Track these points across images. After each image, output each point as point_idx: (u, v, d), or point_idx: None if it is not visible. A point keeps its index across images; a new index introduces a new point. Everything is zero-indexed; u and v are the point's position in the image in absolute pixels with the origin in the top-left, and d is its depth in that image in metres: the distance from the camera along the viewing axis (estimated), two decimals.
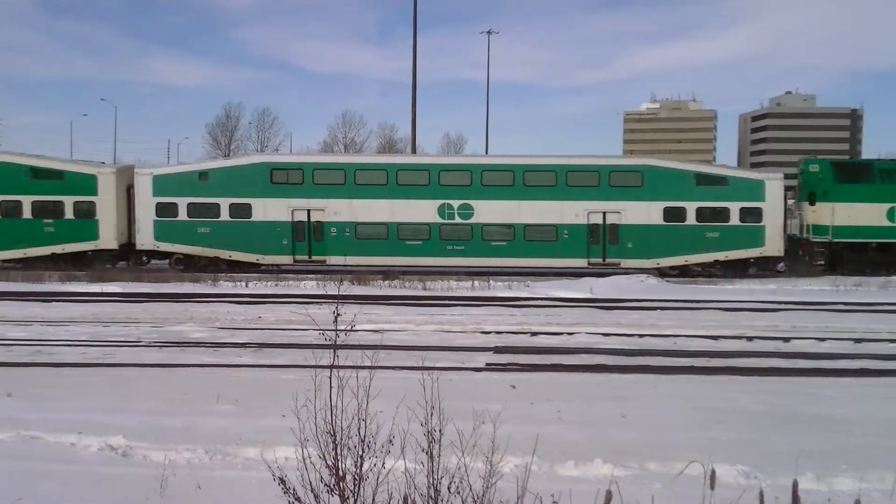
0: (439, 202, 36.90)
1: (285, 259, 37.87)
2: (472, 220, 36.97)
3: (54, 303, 25.01)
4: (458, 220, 37.01)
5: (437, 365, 12.39)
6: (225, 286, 31.46)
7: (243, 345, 17.27)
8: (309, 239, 37.59)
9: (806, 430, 9.92)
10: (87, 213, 37.66)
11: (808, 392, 12.47)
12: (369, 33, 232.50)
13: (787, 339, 18.30)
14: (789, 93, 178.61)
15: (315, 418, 5.31)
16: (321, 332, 5.62)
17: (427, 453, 5.11)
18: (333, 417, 5.21)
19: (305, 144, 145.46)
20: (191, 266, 37.54)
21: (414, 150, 55.84)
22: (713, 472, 4.86)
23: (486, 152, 77.31)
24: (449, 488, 5.04)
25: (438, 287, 31.27)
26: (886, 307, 24.81)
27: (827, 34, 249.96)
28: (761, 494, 4.68)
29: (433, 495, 5.01)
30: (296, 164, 39.22)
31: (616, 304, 25.43)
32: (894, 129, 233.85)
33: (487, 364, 15.17)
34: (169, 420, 10.22)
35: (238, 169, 38.62)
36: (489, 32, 78.83)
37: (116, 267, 38.13)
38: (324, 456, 5.15)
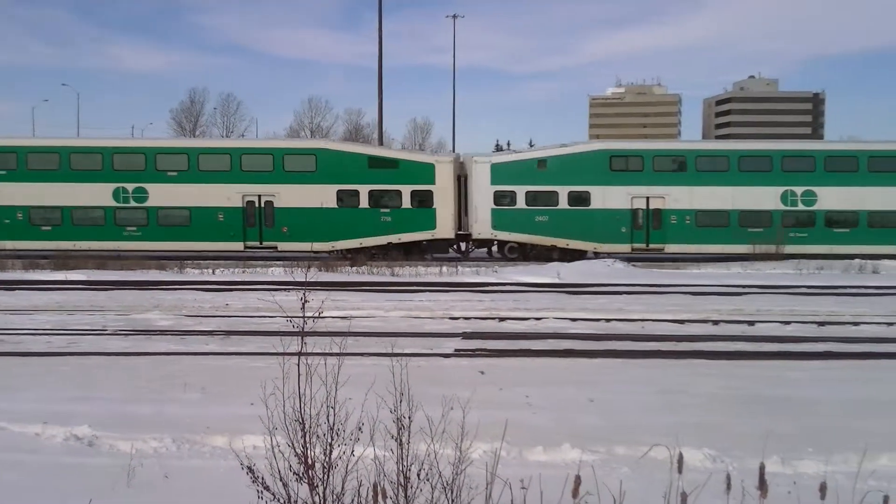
0: (782, 189, 36.79)
1: (622, 248, 37.40)
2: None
3: (18, 291, 24.68)
4: (800, 206, 36.95)
5: (406, 351, 12.39)
6: (191, 273, 31.20)
7: (210, 332, 17.15)
8: (647, 227, 37.22)
9: (772, 414, 10.03)
10: (424, 203, 37.33)
11: (773, 375, 12.62)
12: (333, 18, 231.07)
13: (751, 323, 18.51)
14: (752, 77, 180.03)
15: (283, 406, 5.28)
16: (288, 319, 5.58)
17: (396, 440, 5.10)
18: (302, 405, 5.18)
19: (271, 130, 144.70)
20: (523, 255, 37.36)
21: (381, 137, 55.59)
22: (680, 456, 4.89)
23: (453, 139, 77.11)
24: (419, 475, 5.03)
25: (406, 273, 31.24)
26: (849, 290, 25.16)
27: (789, 19, 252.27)
28: (728, 478, 4.72)
29: (403, 482, 5.00)
30: (636, 150, 38.67)
31: (583, 289, 25.56)
32: (855, 112, 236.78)
33: (456, 350, 15.18)
34: (135, 409, 10.12)
35: (577, 156, 37.97)
36: (454, 16, 78.66)
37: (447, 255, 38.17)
38: (292, 444, 5.12)
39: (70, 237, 36.81)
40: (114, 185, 37.14)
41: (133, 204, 37.24)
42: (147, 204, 37.30)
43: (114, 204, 37.21)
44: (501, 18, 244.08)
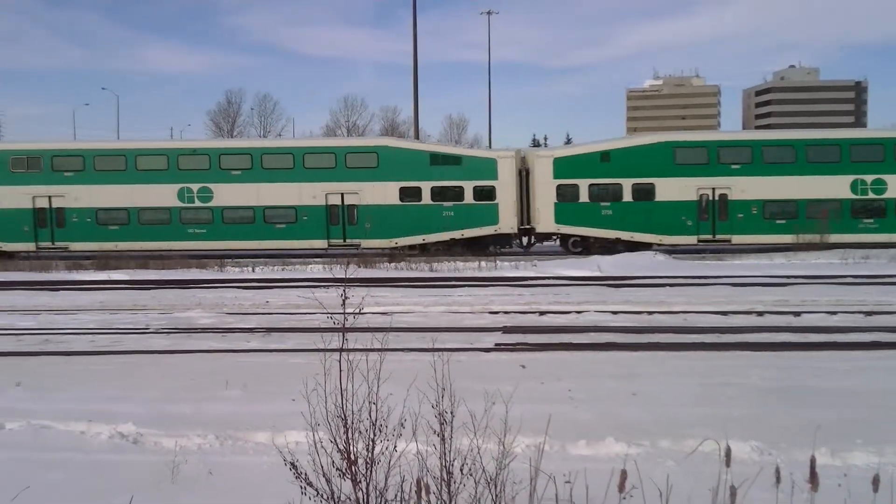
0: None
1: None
2: None
3: (62, 291, 25.05)
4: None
5: (447, 346, 12.35)
6: (232, 272, 31.48)
7: (251, 330, 17.25)
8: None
9: (819, 405, 9.84)
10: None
11: (820, 366, 12.39)
12: (366, 16, 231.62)
13: (797, 314, 18.22)
14: (793, 66, 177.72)
15: (325, 402, 5.26)
16: (329, 315, 5.56)
17: (439, 435, 5.06)
18: (344, 401, 5.16)
19: (308, 129, 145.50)
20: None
21: (416, 133, 55.64)
22: (728, 449, 4.80)
23: (490, 134, 76.81)
24: (462, 470, 5.00)
25: (445, 268, 31.23)
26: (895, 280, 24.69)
27: (828, 6, 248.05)
28: (777, 471, 4.63)
29: (446, 477, 4.96)
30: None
31: (624, 282, 25.36)
32: None
33: (497, 344, 15.12)
34: (178, 406, 10.19)
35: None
36: (489, 13, 78.57)
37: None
38: (335, 440, 5.11)
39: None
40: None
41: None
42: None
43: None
44: (534, 13, 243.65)
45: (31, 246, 38.54)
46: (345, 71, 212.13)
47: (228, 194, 37.98)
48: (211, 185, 38.07)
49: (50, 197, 38.06)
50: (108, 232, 38.22)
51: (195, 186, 38.00)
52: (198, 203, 38.05)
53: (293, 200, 37.81)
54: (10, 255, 38.03)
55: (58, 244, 38.44)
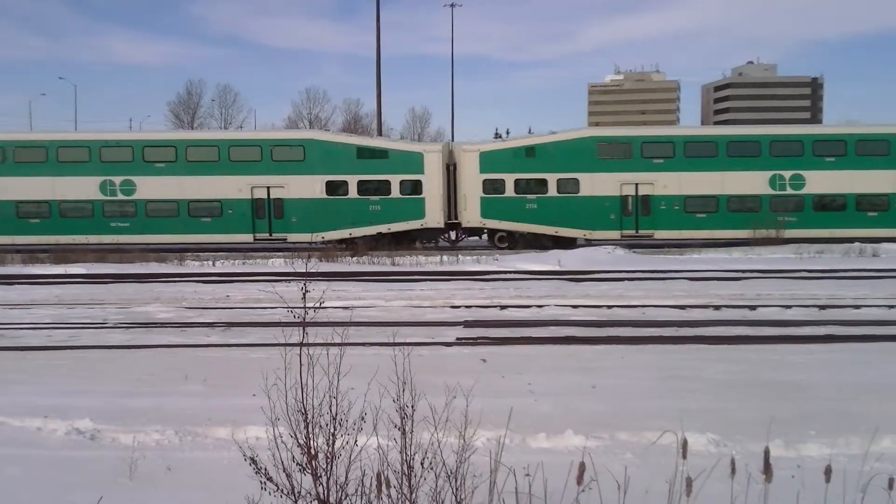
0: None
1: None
2: None
3: (17, 285, 24.66)
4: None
5: (408, 340, 12.35)
6: (192, 265, 31.20)
7: (211, 324, 17.14)
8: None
9: (774, 398, 10.01)
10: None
11: (775, 359, 12.60)
12: (330, 8, 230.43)
13: (753, 308, 18.49)
14: (751, 63, 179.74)
15: (286, 397, 5.25)
16: (289, 309, 5.55)
17: (400, 429, 5.08)
18: (304, 395, 5.15)
19: (270, 121, 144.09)
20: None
21: (379, 127, 55.46)
22: (685, 441, 4.87)
23: (452, 128, 76.80)
24: (422, 464, 5.02)
25: (407, 262, 31.23)
26: (849, 273, 25.14)
27: (787, 4, 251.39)
28: (733, 463, 4.70)
29: (406, 471, 4.98)
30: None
31: (584, 276, 25.54)
32: (854, 96, 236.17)
33: (458, 338, 15.17)
34: (137, 402, 10.10)
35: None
36: (452, 5, 78.44)
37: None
38: (295, 435, 5.10)
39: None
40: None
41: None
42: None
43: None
44: (500, 7, 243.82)
45: None
46: (309, 63, 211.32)
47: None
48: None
49: None
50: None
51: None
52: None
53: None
54: None
55: None
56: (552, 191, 37.34)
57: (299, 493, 4.97)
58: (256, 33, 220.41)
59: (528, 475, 5.61)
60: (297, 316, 5.32)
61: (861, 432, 7.73)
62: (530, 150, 37.87)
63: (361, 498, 4.92)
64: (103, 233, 37.39)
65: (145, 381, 11.37)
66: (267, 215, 37.60)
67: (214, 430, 8.82)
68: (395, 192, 37.41)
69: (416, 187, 37.46)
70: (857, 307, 18.42)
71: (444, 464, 4.99)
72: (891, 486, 4.51)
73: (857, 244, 33.76)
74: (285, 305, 5.78)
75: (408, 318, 17.46)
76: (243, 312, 18.74)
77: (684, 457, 4.72)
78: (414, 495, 4.95)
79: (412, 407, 5.19)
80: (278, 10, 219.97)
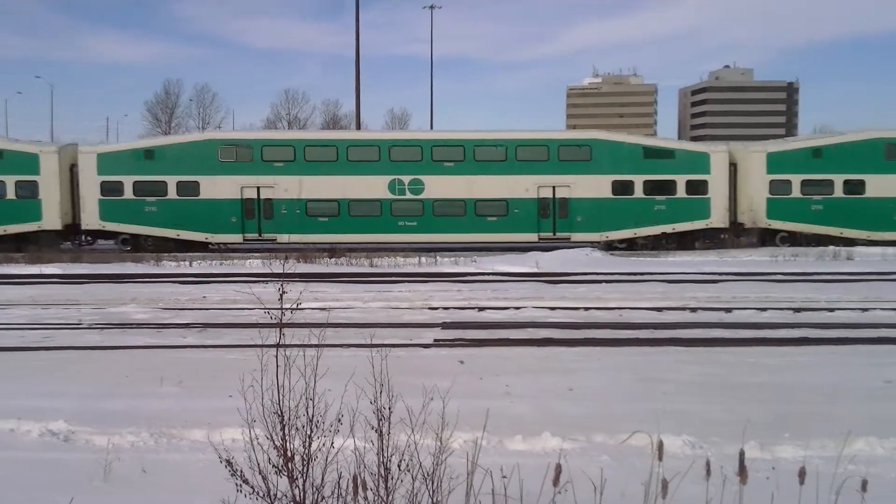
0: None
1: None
2: None
3: None
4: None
5: (386, 342, 12.34)
6: (168, 266, 30.98)
7: (187, 325, 17.03)
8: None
9: (749, 400, 10.09)
10: (28, 194, 36.52)
11: (750, 361, 12.69)
12: (310, 8, 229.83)
13: (728, 310, 18.61)
14: (727, 67, 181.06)
15: (262, 399, 5.23)
16: (266, 310, 5.53)
17: (377, 431, 5.07)
18: (280, 397, 5.13)
19: (248, 121, 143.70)
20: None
21: (358, 127, 55.30)
22: (660, 443, 4.90)
23: (431, 128, 76.77)
24: (399, 466, 5.01)
25: (385, 264, 31.18)
26: (824, 276, 25.36)
27: (763, 8, 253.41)
28: (708, 464, 4.73)
29: (383, 473, 4.97)
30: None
31: (561, 279, 25.61)
32: (829, 101, 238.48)
33: (436, 340, 15.16)
34: (112, 403, 10.02)
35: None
36: (432, 7, 78.50)
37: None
38: (271, 436, 5.08)
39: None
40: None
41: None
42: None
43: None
44: (480, 8, 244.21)
45: None
46: (289, 64, 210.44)
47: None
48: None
49: None
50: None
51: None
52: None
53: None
54: None
55: None
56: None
57: (275, 495, 4.95)
58: (236, 33, 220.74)
59: (504, 477, 5.61)
60: (273, 317, 5.30)
61: (835, 434, 7.78)
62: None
63: (338, 500, 4.91)
64: (391, 231, 37.20)
65: (120, 383, 11.29)
66: (552, 215, 37.41)
67: (190, 432, 8.76)
68: (681, 191, 37.11)
69: (701, 187, 37.18)
70: (832, 310, 18.57)
71: (420, 466, 4.98)
72: (864, 488, 4.55)
73: (831, 248, 34.10)
74: (262, 307, 5.76)
75: (385, 320, 17.43)
76: (220, 313, 18.65)
77: (660, 459, 4.74)
78: (391, 497, 4.94)
79: (389, 409, 5.19)
80: (259, 10, 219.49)
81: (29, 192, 36.61)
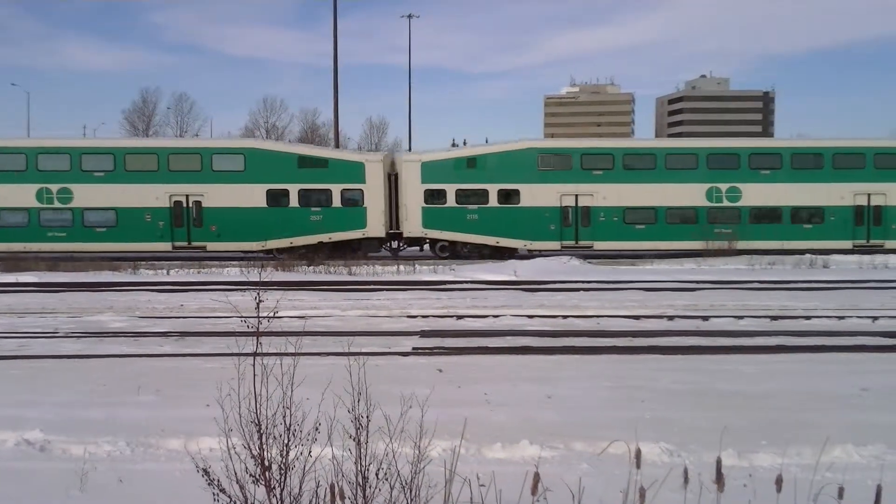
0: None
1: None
2: None
3: None
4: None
5: (364, 350, 12.32)
6: (146, 274, 30.80)
7: (165, 334, 16.92)
8: (576, 224, 37.73)
9: (726, 407, 10.14)
10: (354, 202, 37.35)
11: (728, 369, 12.76)
12: (288, 17, 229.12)
13: (706, 318, 18.72)
14: (704, 76, 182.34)
15: (239, 407, 5.21)
16: (243, 319, 5.51)
17: (355, 440, 5.06)
18: (258, 406, 5.12)
19: (227, 130, 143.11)
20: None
21: (336, 136, 55.26)
22: (638, 451, 4.91)
23: (409, 138, 76.86)
24: (377, 475, 5.00)
25: (364, 272, 31.13)
26: (800, 284, 25.56)
27: (740, 18, 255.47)
28: (685, 472, 4.75)
29: (361, 482, 4.96)
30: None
31: (539, 287, 25.66)
32: (805, 111, 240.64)
33: (414, 348, 15.15)
34: (88, 412, 9.94)
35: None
36: (409, 16, 78.80)
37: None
38: (249, 446, 5.06)
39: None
40: None
41: None
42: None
43: None
44: (458, 18, 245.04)
45: None
46: (267, 72, 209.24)
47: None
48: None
49: None
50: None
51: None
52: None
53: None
54: None
55: None
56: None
57: None
58: (215, 41, 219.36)
59: (482, 485, 5.61)
60: (250, 326, 5.28)
61: (812, 442, 7.84)
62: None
63: None
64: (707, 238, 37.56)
65: (97, 392, 11.20)
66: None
67: (167, 442, 8.70)
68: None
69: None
70: (808, 318, 18.73)
71: (398, 474, 4.98)
72: (840, 496, 4.58)
73: (807, 255, 34.40)
74: (239, 315, 5.74)
75: (364, 328, 17.40)
76: (197, 322, 18.54)
77: (638, 466, 4.76)
78: None
79: (367, 417, 5.18)
80: (237, 18, 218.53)
81: (354, 200, 37.26)
